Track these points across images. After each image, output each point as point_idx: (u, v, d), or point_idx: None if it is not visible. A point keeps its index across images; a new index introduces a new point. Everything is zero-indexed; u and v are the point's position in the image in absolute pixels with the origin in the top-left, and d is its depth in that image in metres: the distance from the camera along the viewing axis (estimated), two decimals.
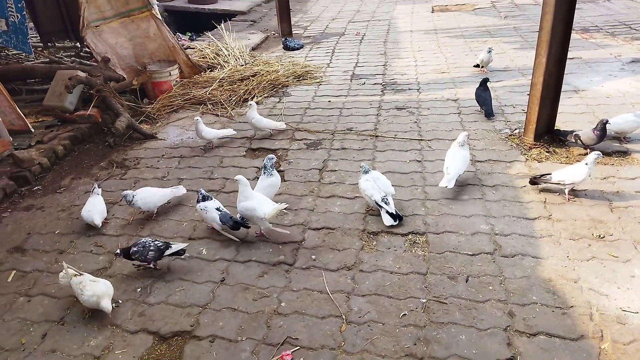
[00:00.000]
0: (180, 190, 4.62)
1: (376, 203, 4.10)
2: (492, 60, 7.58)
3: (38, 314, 3.40)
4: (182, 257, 3.72)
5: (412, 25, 11.28)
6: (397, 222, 4.03)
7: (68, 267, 3.40)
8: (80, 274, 3.36)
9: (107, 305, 3.21)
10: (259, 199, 3.98)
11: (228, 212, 4.07)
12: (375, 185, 4.15)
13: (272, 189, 4.38)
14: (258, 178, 4.73)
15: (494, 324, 3.04)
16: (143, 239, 3.68)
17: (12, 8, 6.01)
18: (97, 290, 3.23)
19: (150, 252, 3.57)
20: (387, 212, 4.05)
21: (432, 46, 9.42)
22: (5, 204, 4.84)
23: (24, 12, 6.17)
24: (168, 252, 3.61)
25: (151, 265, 3.68)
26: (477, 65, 7.76)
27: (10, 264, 3.95)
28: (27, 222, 4.53)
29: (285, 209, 4.02)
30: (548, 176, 4.25)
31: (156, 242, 3.62)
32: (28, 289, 3.66)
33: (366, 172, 4.25)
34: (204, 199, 4.09)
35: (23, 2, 6.13)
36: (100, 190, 4.51)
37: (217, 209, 4.02)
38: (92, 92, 6.31)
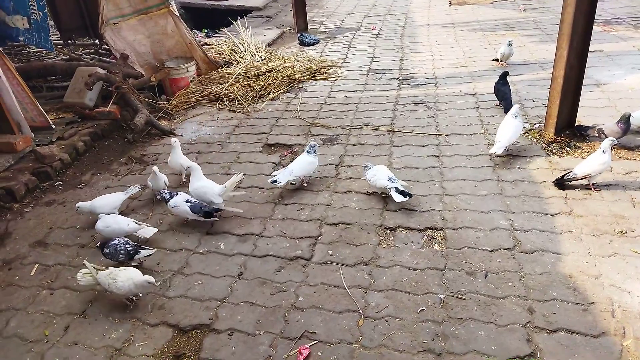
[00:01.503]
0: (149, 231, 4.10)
1: (385, 187, 4.20)
2: (513, 54, 7.46)
3: (60, 307, 3.47)
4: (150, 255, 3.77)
5: (429, 19, 11.17)
6: (407, 198, 4.08)
7: (92, 266, 3.45)
8: (106, 268, 3.41)
9: (149, 278, 3.29)
10: (209, 182, 4.32)
11: (198, 202, 4.16)
12: (378, 174, 4.28)
13: (309, 166, 4.64)
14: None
15: (514, 320, 3.01)
16: (115, 241, 3.71)
17: (34, 6, 6.11)
18: (130, 274, 3.30)
19: (120, 255, 3.66)
20: (396, 189, 4.11)
21: (450, 40, 9.31)
22: (27, 199, 4.94)
23: (46, 10, 6.26)
24: (137, 256, 3.68)
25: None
26: (497, 60, 7.65)
27: (33, 258, 4.03)
28: (49, 216, 4.62)
29: (298, 204, 4.05)
30: (571, 174, 4.18)
31: (127, 246, 3.67)
32: (51, 282, 3.74)
33: (368, 167, 4.41)
34: (171, 196, 4.17)
35: (44, 0, 6.22)
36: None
37: (187, 202, 4.11)
38: (111, 89, 6.39)
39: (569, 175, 4.20)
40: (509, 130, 4.73)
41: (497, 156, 4.78)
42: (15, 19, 6.34)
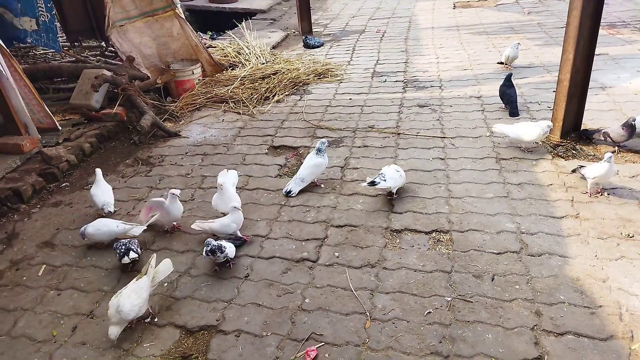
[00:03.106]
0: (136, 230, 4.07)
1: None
2: (518, 57, 7.45)
3: (68, 307, 3.49)
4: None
5: (433, 22, 11.18)
6: (371, 185, 4.24)
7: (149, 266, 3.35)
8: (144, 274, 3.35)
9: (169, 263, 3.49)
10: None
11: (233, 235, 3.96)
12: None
13: (317, 169, 4.66)
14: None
15: (521, 323, 3.01)
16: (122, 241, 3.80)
17: (43, 8, 6.17)
18: (165, 262, 3.43)
19: (116, 255, 3.76)
20: (371, 182, 4.25)
21: (454, 43, 9.32)
22: (34, 200, 4.96)
23: (54, 12, 6.32)
24: (123, 260, 3.71)
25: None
26: (501, 63, 7.65)
27: (40, 259, 4.05)
28: (56, 217, 4.64)
29: (307, 205, 4.06)
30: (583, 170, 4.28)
31: (119, 248, 3.74)
32: (58, 282, 3.75)
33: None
34: (221, 248, 3.57)
35: (52, 1, 6.27)
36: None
37: (230, 240, 3.89)
38: (117, 91, 6.42)
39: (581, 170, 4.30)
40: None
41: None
42: (23, 21, 6.40)
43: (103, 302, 3.48)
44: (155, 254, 3.44)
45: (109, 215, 4.43)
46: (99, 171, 4.67)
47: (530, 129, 4.84)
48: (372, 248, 3.82)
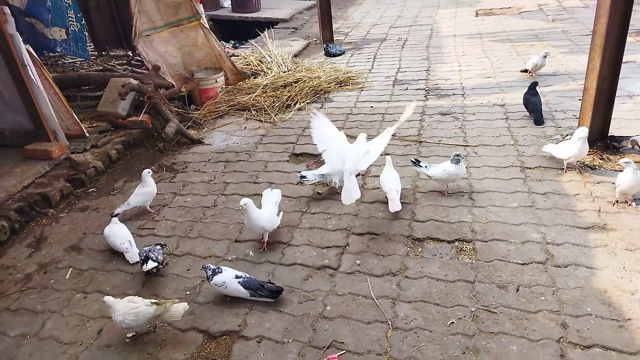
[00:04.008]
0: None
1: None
2: (544, 65, 7.36)
3: (94, 310, 3.55)
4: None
5: (455, 30, 11.13)
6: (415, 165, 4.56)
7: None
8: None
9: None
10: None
11: (251, 277, 3.51)
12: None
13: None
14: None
15: (547, 335, 2.95)
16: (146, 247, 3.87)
17: (73, 18, 6.36)
18: (177, 308, 3.22)
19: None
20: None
21: (477, 50, 9.26)
22: (62, 204, 5.08)
23: (83, 22, 6.51)
24: (143, 268, 3.73)
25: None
26: (525, 70, 7.56)
27: (67, 262, 4.15)
28: (83, 222, 4.75)
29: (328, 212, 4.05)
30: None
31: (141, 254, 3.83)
32: (84, 286, 3.83)
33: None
34: (214, 272, 3.41)
35: (81, 12, 6.47)
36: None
37: (236, 277, 3.43)
38: (143, 99, 6.56)
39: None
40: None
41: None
42: (53, 31, 6.60)
43: None
44: (178, 302, 3.26)
45: None
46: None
47: (568, 145, 4.63)
48: (393, 256, 3.80)
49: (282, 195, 4.80)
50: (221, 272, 3.42)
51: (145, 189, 4.66)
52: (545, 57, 7.25)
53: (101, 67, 8.51)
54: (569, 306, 3.14)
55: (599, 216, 4.00)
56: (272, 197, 4.27)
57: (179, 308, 3.18)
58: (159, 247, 3.89)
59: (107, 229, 4.20)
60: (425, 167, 4.54)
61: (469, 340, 2.98)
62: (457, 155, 4.32)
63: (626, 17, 4.50)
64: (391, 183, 4.39)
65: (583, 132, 4.48)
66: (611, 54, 4.62)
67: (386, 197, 4.38)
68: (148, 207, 4.76)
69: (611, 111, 4.97)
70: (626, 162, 3.95)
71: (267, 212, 4.08)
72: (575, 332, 2.96)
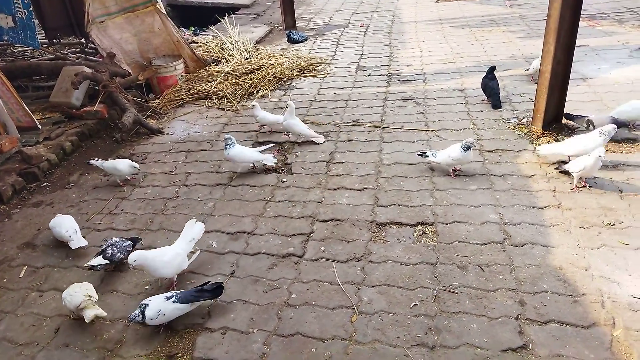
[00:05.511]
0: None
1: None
2: None
3: (50, 309, 3.43)
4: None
5: (416, 16, 11.20)
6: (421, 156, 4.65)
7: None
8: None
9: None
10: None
11: (182, 290, 3.31)
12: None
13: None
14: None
15: (505, 313, 3.04)
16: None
17: (19, 4, 6.04)
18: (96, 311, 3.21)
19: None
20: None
21: (437, 36, 9.35)
22: (14, 200, 4.87)
23: (30, 8, 6.19)
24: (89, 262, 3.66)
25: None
26: (527, 70, 6.75)
27: (21, 260, 3.98)
28: (37, 218, 4.56)
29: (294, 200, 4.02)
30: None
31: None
32: (40, 284, 3.69)
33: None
34: (143, 310, 3.03)
35: None
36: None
37: (167, 298, 3.12)
38: (98, 88, 6.33)
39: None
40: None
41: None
42: None
43: None
44: (97, 309, 3.18)
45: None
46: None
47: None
48: (357, 242, 3.82)
49: (246, 185, 4.76)
50: (148, 304, 3.04)
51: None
52: None
53: (53, 56, 8.15)
54: (526, 284, 3.24)
55: (554, 196, 4.13)
56: (189, 233, 3.64)
57: (89, 314, 3.13)
58: (128, 242, 3.76)
59: (52, 220, 4.09)
60: (433, 154, 4.59)
61: (431, 321, 3.03)
62: (469, 142, 4.36)
63: (578, 1, 4.62)
64: (299, 126, 5.35)
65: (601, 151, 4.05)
66: (565, 38, 4.74)
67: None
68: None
69: (566, 93, 5.12)
70: (601, 152, 3.98)
71: (170, 253, 3.45)
72: (533, 308, 3.06)
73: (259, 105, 5.78)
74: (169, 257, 3.43)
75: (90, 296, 3.20)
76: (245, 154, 4.88)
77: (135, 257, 3.32)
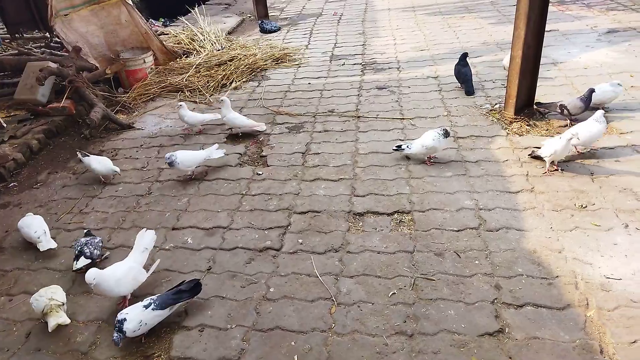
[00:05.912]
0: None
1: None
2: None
3: (20, 313, 3.33)
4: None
5: (389, 4, 11.17)
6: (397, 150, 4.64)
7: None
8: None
9: None
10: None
11: (159, 294, 3.12)
12: None
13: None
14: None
15: (482, 298, 3.07)
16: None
17: None
18: (62, 317, 3.13)
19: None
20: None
21: (410, 24, 9.35)
22: None
23: None
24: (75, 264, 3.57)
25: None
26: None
27: None
28: (4, 219, 4.41)
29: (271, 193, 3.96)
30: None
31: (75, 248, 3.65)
32: (9, 287, 3.58)
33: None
34: (121, 324, 2.86)
35: None
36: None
37: (146, 306, 2.97)
38: (64, 83, 6.13)
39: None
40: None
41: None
42: None
43: None
44: (61, 316, 3.09)
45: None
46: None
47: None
48: (335, 233, 3.80)
49: (221, 179, 4.68)
50: (126, 318, 2.86)
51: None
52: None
53: (16, 51, 7.86)
54: (501, 268, 3.28)
55: (527, 180, 4.18)
56: (141, 243, 3.46)
57: (51, 323, 3.04)
58: (99, 239, 3.70)
59: (22, 220, 3.98)
60: (408, 147, 4.57)
61: (410, 309, 3.04)
62: (445, 130, 4.41)
63: None
64: (239, 119, 5.37)
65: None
66: (535, 23, 4.78)
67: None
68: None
69: (537, 78, 5.17)
70: (572, 135, 4.04)
71: (120, 270, 3.24)
72: (508, 292, 3.09)
73: (185, 105, 5.59)
74: (120, 273, 3.20)
75: (53, 299, 3.10)
76: (190, 157, 4.65)
77: (93, 275, 3.07)
